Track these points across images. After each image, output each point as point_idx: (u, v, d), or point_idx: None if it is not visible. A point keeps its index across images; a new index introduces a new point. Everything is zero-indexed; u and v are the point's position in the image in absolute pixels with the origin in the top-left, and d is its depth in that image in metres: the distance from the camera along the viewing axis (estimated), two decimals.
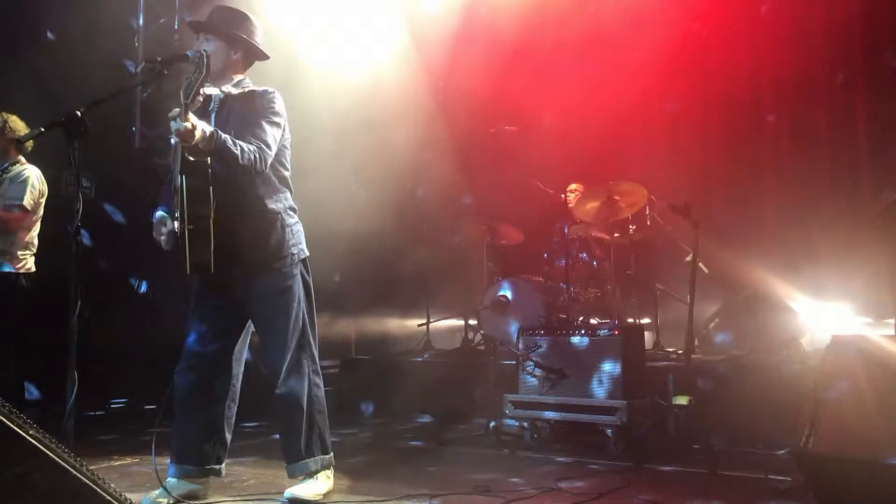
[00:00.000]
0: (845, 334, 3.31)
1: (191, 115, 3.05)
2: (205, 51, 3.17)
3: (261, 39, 3.61)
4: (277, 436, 3.57)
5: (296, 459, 3.43)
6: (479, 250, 6.92)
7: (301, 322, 3.48)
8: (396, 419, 5.82)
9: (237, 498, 3.44)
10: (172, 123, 3.08)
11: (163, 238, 3.41)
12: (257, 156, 3.26)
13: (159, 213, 3.44)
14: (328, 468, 3.51)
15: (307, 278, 3.57)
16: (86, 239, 5.65)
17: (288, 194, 3.57)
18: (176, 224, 3.28)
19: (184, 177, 3.17)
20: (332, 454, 3.53)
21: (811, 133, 6.76)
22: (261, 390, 3.72)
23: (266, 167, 3.34)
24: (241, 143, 3.23)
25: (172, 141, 3.22)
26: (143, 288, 6.39)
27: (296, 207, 3.61)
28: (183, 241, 3.17)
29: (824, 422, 2.99)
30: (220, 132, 3.18)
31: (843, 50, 6.62)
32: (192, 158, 3.17)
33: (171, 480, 3.38)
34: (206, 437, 3.45)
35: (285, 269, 3.47)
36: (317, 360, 3.53)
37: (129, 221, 6.69)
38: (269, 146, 3.34)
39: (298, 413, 3.41)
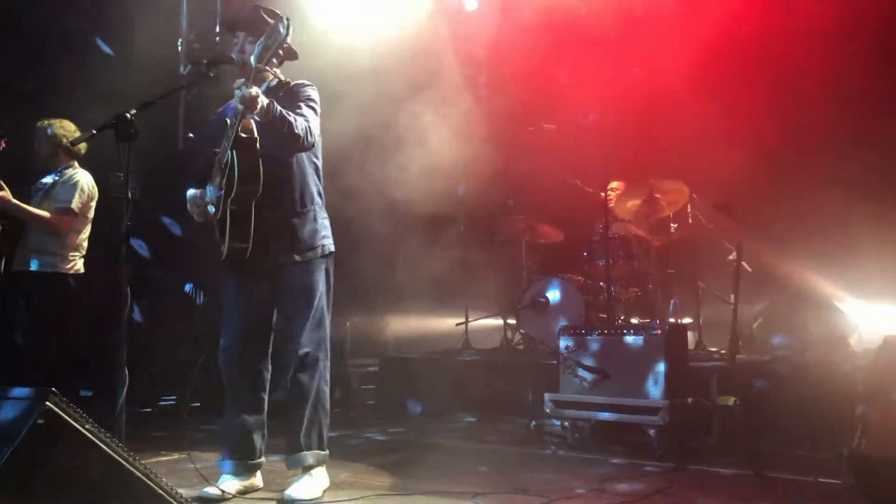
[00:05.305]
0: None
1: (255, 87, 3.19)
2: (287, 18, 3.24)
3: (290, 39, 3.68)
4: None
5: (294, 451, 3.48)
6: (519, 249, 6.90)
7: (322, 317, 3.54)
8: (435, 418, 5.82)
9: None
10: (237, 91, 3.20)
11: (197, 211, 3.51)
12: (307, 126, 3.40)
13: (191, 191, 3.55)
14: (323, 464, 3.53)
15: (331, 273, 3.63)
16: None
17: (320, 186, 3.66)
18: (212, 208, 3.38)
19: (234, 153, 3.26)
20: (328, 451, 3.56)
21: (858, 129, 6.61)
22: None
23: (314, 140, 3.46)
24: (292, 114, 3.36)
25: (233, 104, 3.30)
26: (188, 288, 6.49)
27: (324, 200, 3.68)
28: (223, 223, 3.24)
29: (876, 423, 2.92)
30: (275, 102, 3.30)
31: (892, 44, 6.47)
32: (244, 135, 3.28)
33: (226, 476, 3.45)
34: (256, 431, 3.53)
35: (315, 261, 3.54)
36: (329, 355, 3.58)
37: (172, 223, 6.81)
38: (313, 122, 3.46)
39: (302, 406, 3.46)
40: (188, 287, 6.43)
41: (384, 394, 6.33)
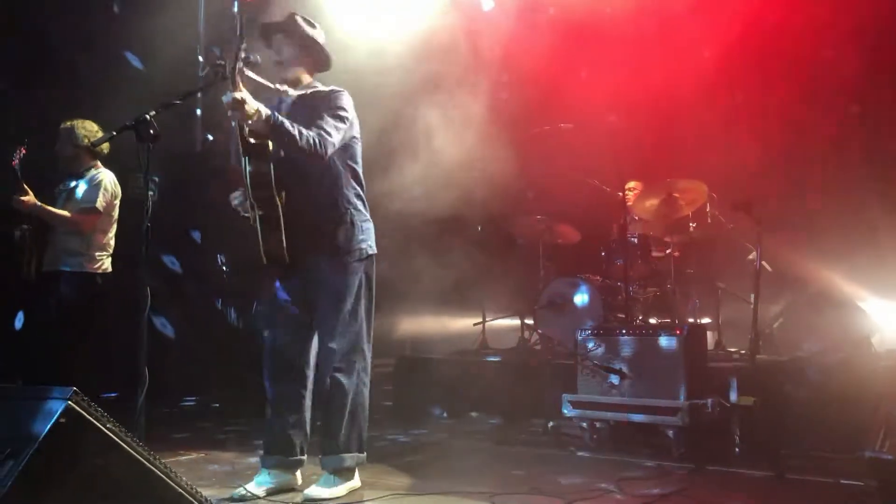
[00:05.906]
0: None
1: (244, 91, 3.16)
2: (239, 14, 3.23)
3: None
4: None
5: (332, 452, 3.48)
6: (536, 249, 6.88)
7: (357, 318, 3.54)
8: (453, 418, 5.82)
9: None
10: (224, 98, 3.18)
11: (238, 202, 3.52)
12: (316, 139, 3.34)
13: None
14: (357, 467, 3.55)
15: (371, 275, 3.62)
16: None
17: (360, 190, 3.65)
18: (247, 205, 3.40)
19: (246, 159, 3.27)
20: (365, 454, 3.57)
21: (877, 126, 6.54)
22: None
23: (326, 153, 3.40)
24: (299, 126, 3.32)
25: (232, 121, 3.28)
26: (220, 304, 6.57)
27: (366, 204, 3.68)
28: (255, 229, 3.26)
29: None
30: (277, 114, 3.27)
31: None
32: (252, 140, 3.27)
33: (262, 472, 3.49)
34: (295, 428, 3.56)
35: (353, 264, 3.54)
36: (368, 358, 3.58)
37: (190, 223, 6.87)
38: (329, 134, 3.41)
39: (341, 409, 3.47)
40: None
41: (401, 394, 6.33)
